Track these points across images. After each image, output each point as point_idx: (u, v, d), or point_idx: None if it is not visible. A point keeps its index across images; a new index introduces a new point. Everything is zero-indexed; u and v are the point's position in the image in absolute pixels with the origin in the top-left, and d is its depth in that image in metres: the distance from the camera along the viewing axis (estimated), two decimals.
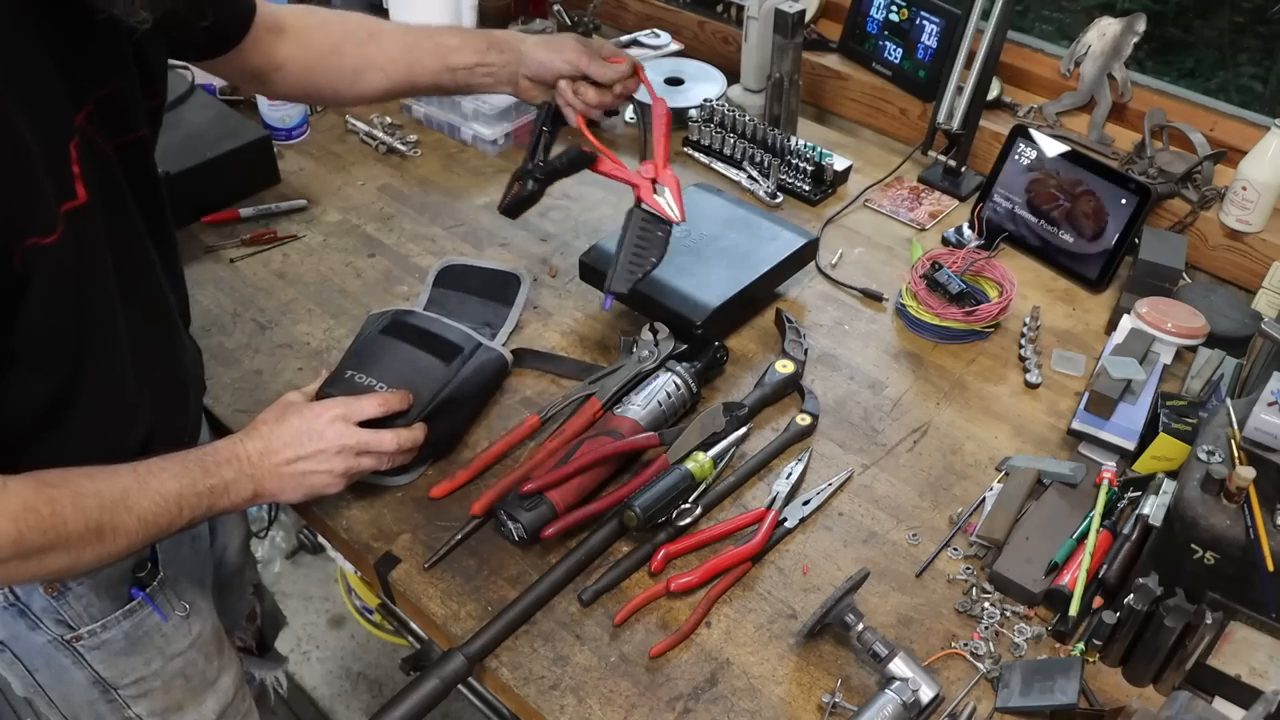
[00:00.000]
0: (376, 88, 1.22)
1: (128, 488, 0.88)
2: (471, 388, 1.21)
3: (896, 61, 1.79)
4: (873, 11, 1.81)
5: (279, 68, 1.17)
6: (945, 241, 1.56)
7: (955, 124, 1.59)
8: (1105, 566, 1.03)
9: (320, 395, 1.12)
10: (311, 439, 1.01)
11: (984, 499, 1.16)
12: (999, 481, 1.18)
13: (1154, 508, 1.04)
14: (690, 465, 1.12)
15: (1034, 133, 1.53)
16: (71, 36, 0.81)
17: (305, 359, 1.34)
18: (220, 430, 1.25)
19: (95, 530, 0.85)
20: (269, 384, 1.29)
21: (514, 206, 1.23)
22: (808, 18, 1.77)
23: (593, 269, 1.35)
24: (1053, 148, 1.51)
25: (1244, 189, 1.44)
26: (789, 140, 1.66)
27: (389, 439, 1.07)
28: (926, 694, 0.94)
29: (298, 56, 1.18)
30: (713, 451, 1.15)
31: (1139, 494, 1.10)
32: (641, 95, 1.27)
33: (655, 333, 1.28)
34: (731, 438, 1.19)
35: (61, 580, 0.99)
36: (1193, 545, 0.92)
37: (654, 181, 1.22)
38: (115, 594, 1.04)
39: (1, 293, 0.77)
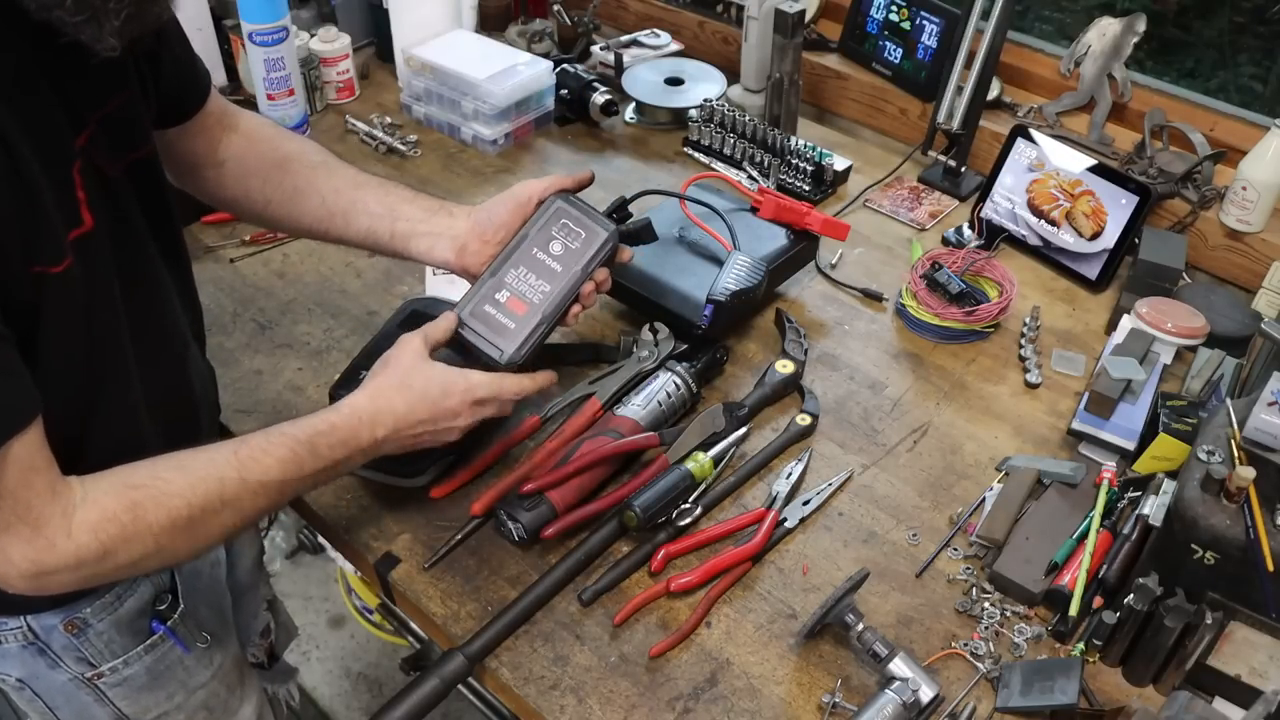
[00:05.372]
0: (310, 213, 1.13)
1: (224, 481, 0.85)
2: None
3: (896, 61, 1.79)
4: (873, 11, 1.81)
5: (219, 164, 1.11)
6: (945, 241, 1.56)
7: (955, 124, 1.59)
8: (1105, 566, 1.03)
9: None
10: (442, 420, 0.99)
11: (984, 499, 1.16)
12: (999, 481, 1.18)
13: (1154, 508, 1.04)
14: (690, 465, 1.12)
15: (1034, 133, 1.53)
16: (66, 57, 0.76)
17: (305, 359, 1.34)
18: (219, 433, 1.25)
19: (185, 526, 0.83)
20: (269, 384, 1.29)
21: None
22: (808, 18, 1.76)
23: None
24: (1053, 147, 1.51)
25: (1244, 189, 1.44)
26: (789, 140, 1.66)
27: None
28: (926, 694, 0.94)
29: (242, 158, 1.11)
30: (713, 451, 1.15)
31: (1139, 494, 1.10)
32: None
33: (655, 333, 1.28)
34: (731, 438, 1.19)
35: (84, 620, 0.98)
36: (1193, 545, 0.92)
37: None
38: (136, 629, 1.03)
39: (16, 323, 0.75)
